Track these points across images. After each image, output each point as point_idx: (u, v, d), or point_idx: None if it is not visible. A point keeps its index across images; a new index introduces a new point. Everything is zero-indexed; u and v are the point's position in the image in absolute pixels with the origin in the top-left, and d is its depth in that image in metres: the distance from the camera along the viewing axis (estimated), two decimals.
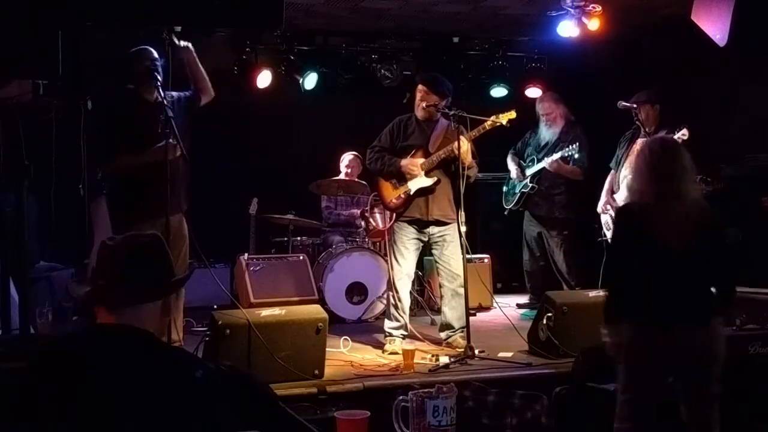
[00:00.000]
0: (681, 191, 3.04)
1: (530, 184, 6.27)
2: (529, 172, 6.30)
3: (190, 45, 4.59)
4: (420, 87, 5.08)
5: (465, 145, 4.78)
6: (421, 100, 5.03)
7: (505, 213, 6.57)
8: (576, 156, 5.98)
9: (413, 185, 5.01)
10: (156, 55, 4.47)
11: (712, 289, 3.05)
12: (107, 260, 1.95)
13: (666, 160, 3.09)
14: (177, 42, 4.53)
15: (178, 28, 5.77)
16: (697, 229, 3.00)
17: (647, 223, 3.01)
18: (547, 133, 6.31)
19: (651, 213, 3.02)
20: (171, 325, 4.27)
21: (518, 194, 6.38)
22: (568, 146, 5.97)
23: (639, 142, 5.56)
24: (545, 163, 6.10)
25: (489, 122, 4.92)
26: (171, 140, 4.14)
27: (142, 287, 1.91)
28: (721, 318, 3.09)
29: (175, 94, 4.60)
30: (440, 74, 5.24)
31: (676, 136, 5.38)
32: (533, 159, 6.32)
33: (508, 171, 6.61)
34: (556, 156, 6.02)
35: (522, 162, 6.45)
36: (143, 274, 1.93)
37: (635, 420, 3.03)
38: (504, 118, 4.94)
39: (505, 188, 6.62)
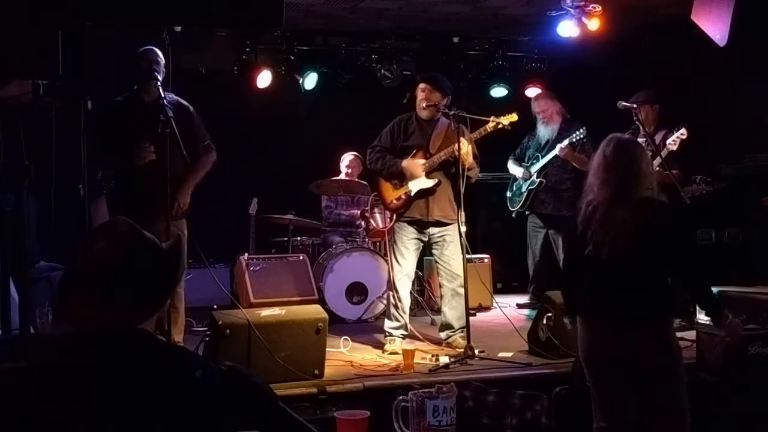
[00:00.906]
0: (627, 195, 3.00)
1: (537, 180, 6.26)
2: (535, 168, 6.29)
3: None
4: (422, 86, 5.08)
5: (465, 147, 4.78)
6: (423, 99, 5.03)
7: (513, 216, 6.54)
8: (584, 140, 5.98)
9: (414, 186, 5.00)
10: (159, 56, 4.48)
11: (656, 290, 3.02)
12: (106, 274, 1.83)
13: (615, 163, 3.06)
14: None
15: (178, 29, 5.79)
16: (636, 234, 2.95)
17: (588, 224, 3.03)
18: (545, 131, 6.31)
19: (592, 214, 3.03)
20: (171, 325, 4.28)
21: (525, 193, 6.35)
22: (575, 131, 5.97)
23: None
24: (556, 150, 6.06)
25: (491, 124, 4.92)
26: (144, 143, 4.19)
27: (142, 305, 1.87)
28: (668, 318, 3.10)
29: (182, 101, 4.61)
30: (440, 74, 5.25)
31: (675, 136, 5.38)
32: (537, 158, 6.32)
33: (508, 171, 6.60)
34: (566, 142, 6.01)
35: (524, 164, 6.44)
36: (146, 287, 1.87)
37: (607, 420, 3.07)
38: (506, 120, 4.94)
39: (509, 193, 6.59)
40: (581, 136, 5.94)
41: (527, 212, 6.44)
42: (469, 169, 4.82)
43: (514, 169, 6.47)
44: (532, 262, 6.53)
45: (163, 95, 4.25)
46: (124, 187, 4.60)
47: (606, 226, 2.99)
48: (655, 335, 2.98)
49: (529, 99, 7.03)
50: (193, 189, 4.57)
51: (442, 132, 5.07)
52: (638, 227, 2.96)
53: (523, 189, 6.39)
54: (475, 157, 4.97)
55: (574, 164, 6.10)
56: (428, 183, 4.99)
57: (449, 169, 4.98)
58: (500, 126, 4.94)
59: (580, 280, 3.13)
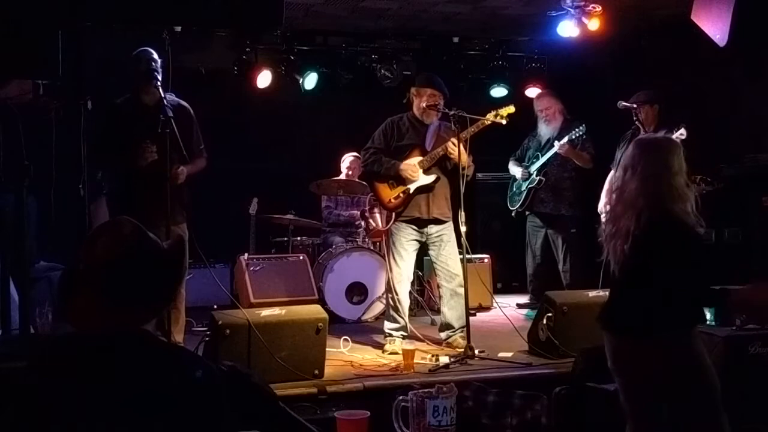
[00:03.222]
0: (636, 197, 2.85)
1: (537, 178, 6.27)
2: (535, 166, 6.30)
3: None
4: (425, 89, 5.05)
5: (461, 144, 4.81)
6: (429, 98, 5.01)
7: (513, 215, 6.54)
8: (584, 137, 5.97)
9: (413, 184, 5.01)
10: (155, 55, 4.48)
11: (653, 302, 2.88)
12: (110, 277, 1.81)
13: (634, 162, 2.92)
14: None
15: (178, 29, 5.79)
16: (640, 239, 2.81)
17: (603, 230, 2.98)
18: (546, 130, 6.31)
19: (606, 221, 2.97)
20: (172, 325, 4.28)
21: (525, 192, 6.35)
22: (574, 129, 5.98)
23: None
24: (556, 146, 6.06)
25: (489, 115, 4.95)
26: (147, 143, 4.18)
27: (145, 306, 1.85)
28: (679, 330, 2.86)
29: (181, 102, 4.61)
30: (439, 74, 5.27)
31: (674, 136, 5.38)
32: (537, 157, 6.33)
33: (508, 171, 6.60)
34: (565, 139, 6.01)
35: (524, 164, 6.45)
36: (148, 289, 1.85)
37: (638, 420, 2.99)
38: (504, 113, 4.98)
39: (509, 192, 6.60)
40: (580, 132, 5.95)
41: (527, 212, 6.44)
42: (468, 167, 4.85)
43: (514, 169, 6.48)
44: (532, 262, 6.53)
45: (163, 95, 4.25)
46: (125, 188, 4.60)
47: (610, 231, 2.92)
48: (660, 352, 2.83)
49: (530, 99, 7.04)
50: (188, 174, 4.54)
51: (435, 131, 5.11)
52: (642, 235, 2.81)
53: (523, 188, 6.39)
54: (468, 154, 4.98)
55: (576, 161, 6.11)
56: (427, 179, 4.99)
57: (446, 166, 5.00)
58: (498, 120, 4.95)
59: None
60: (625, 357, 2.93)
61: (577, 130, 5.96)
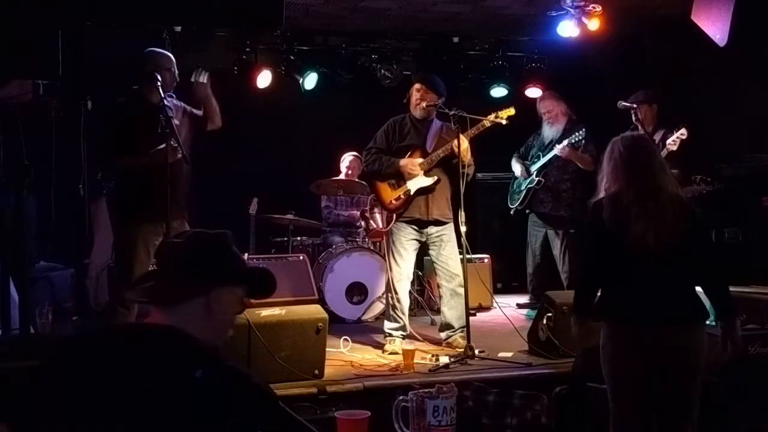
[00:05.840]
0: (659, 187, 2.95)
1: (536, 179, 6.27)
2: (535, 167, 6.30)
3: (206, 79, 4.54)
4: (418, 86, 5.08)
5: (465, 143, 4.79)
6: (421, 100, 5.04)
7: (511, 213, 6.55)
8: (583, 141, 5.97)
9: (413, 185, 5.01)
10: (163, 61, 4.42)
11: (698, 290, 2.97)
12: (163, 257, 2.03)
13: (642, 156, 3.01)
14: (196, 77, 4.50)
15: (178, 29, 5.79)
16: (676, 225, 2.89)
17: (622, 222, 2.90)
18: (549, 131, 6.31)
19: (626, 211, 2.91)
20: None
21: (524, 191, 6.36)
22: (574, 133, 5.98)
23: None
24: (556, 150, 6.06)
25: (490, 117, 4.94)
26: (172, 142, 4.15)
27: (182, 284, 1.91)
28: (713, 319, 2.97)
29: (180, 103, 4.60)
30: (439, 74, 5.26)
31: (675, 136, 5.39)
32: (538, 156, 6.33)
33: (509, 171, 6.61)
34: (565, 142, 6.01)
35: (526, 162, 6.45)
36: (189, 270, 1.93)
37: (626, 420, 2.99)
38: (504, 115, 4.97)
39: (510, 190, 6.62)
40: (580, 137, 5.94)
41: (527, 210, 6.45)
42: (468, 166, 4.84)
43: (516, 167, 6.49)
44: (532, 262, 6.53)
45: (163, 96, 4.24)
46: (126, 188, 4.59)
47: (643, 221, 2.88)
48: (702, 335, 2.94)
49: (530, 99, 7.03)
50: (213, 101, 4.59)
51: (436, 132, 5.10)
52: (676, 222, 2.89)
53: (523, 187, 6.40)
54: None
55: (579, 164, 6.10)
56: (428, 181, 4.99)
57: (447, 167, 4.99)
58: (498, 121, 4.95)
59: (611, 283, 2.98)
60: (634, 349, 2.91)
61: (577, 133, 5.96)
